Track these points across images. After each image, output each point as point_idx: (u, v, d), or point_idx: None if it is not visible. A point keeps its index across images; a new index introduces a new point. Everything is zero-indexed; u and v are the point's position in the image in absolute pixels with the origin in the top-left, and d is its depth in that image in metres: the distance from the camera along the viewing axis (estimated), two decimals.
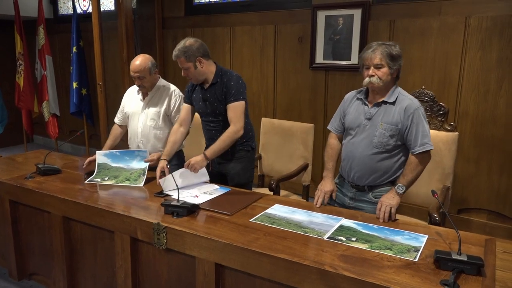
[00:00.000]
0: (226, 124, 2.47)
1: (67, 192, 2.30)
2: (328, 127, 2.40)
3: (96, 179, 2.53)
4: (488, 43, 3.25)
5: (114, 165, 2.63)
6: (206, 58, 2.42)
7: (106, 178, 2.54)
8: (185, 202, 2.03)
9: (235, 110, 2.41)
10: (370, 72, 2.06)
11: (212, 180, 2.52)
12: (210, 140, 2.59)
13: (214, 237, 1.76)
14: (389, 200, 2.01)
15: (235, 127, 2.39)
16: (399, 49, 2.08)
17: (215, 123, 2.53)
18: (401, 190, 2.03)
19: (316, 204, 2.17)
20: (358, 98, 2.22)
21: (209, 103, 2.48)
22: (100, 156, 2.66)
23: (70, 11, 5.91)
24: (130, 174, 2.55)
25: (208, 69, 2.45)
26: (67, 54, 5.78)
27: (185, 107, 2.63)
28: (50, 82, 5.55)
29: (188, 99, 2.61)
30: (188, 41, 2.39)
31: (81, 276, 2.33)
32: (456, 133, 2.62)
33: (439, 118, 2.76)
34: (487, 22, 3.22)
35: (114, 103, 4.46)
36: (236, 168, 2.57)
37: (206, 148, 2.59)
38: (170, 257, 1.93)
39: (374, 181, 2.17)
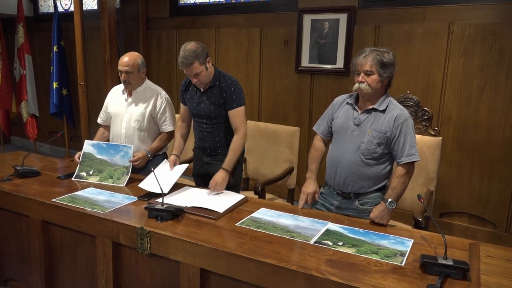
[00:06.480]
0: (219, 126, 2.47)
1: (46, 195, 2.23)
2: (314, 129, 2.37)
3: (81, 173, 2.55)
4: (471, 50, 3.30)
5: (98, 156, 2.63)
6: (209, 58, 2.39)
7: (91, 172, 2.55)
8: (169, 206, 1.99)
9: (239, 116, 2.41)
10: (360, 78, 2.05)
11: (201, 182, 2.47)
12: (200, 141, 2.57)
13: (199, 241, 1.73)
14: (380, 220, 1.98)
15: (241, 133, 2.41)
16: (392, 56, 2.05)
17: (208, 125, 2.49)
18: (392, 206, 1.99)
19: (298, 206, 2.18)
20: (348, 103, 2.21)
21: (205, 106, 2.44)
22: (88, 146, 2.68)
23: (51, 10, 5.78)
24: (114, 171, 2.54)
25: (212, 70, 2.41)
26: (47, 54, 5.64)
27: (183, 107, 2.60)
28: (29, 82, 5.43)
29: (182, 99, 2.59)
30: (189, 45, 2.29)
31: (60, 282, 2.26)
32: (440, 137, 2.65)
33: (423, 123, 2.79)
34: (470, 29, 3.28)
35: (96, 104, 4.36)
36: None
37: (195, 146, 2.63)
38: (153, 262, 1.89)
39: (360, 188, 2.14)
